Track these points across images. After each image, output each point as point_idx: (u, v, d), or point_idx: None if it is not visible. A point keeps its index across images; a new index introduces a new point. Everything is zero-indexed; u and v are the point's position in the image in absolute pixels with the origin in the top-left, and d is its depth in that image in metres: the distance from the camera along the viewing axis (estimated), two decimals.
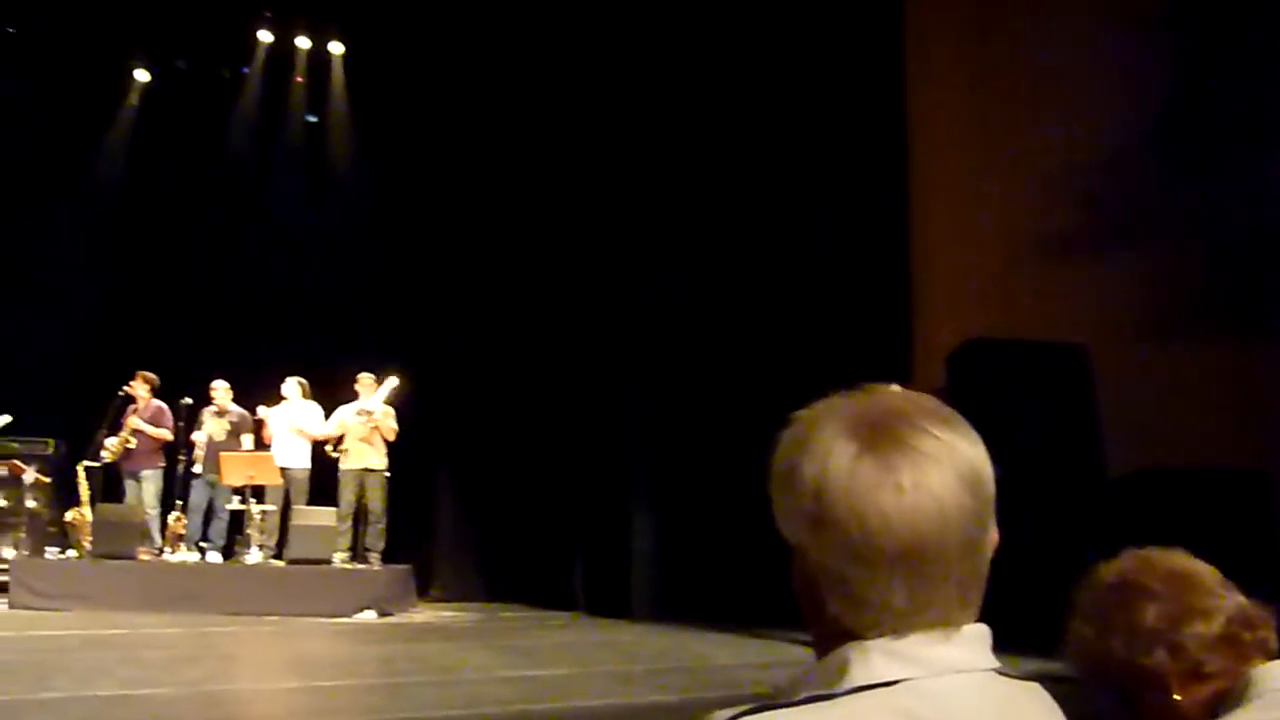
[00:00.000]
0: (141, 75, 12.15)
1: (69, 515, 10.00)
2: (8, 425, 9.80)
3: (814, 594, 0.91)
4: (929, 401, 0.93)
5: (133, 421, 9.94)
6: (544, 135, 10.75)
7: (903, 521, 0.86)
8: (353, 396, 10.07)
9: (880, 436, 0.88)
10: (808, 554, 0.91)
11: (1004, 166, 8.39)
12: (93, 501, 9.85)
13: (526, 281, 11.02)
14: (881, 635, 0.88)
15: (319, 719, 5.18)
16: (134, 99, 12.15)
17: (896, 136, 8.79)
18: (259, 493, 9.79)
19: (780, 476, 0.92)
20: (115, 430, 9.96)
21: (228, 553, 9.95)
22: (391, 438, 9.97)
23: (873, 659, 0.87)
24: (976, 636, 0.91)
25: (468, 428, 11.18)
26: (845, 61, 8.87)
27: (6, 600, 9.09)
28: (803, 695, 0.88)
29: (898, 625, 0.88)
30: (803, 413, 0.94)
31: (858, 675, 0.87)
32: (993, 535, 0.92)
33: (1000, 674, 0.92)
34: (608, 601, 9.77)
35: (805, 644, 0.97)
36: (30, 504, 10.13)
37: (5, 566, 9.68)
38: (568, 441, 10.67)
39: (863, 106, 8.84)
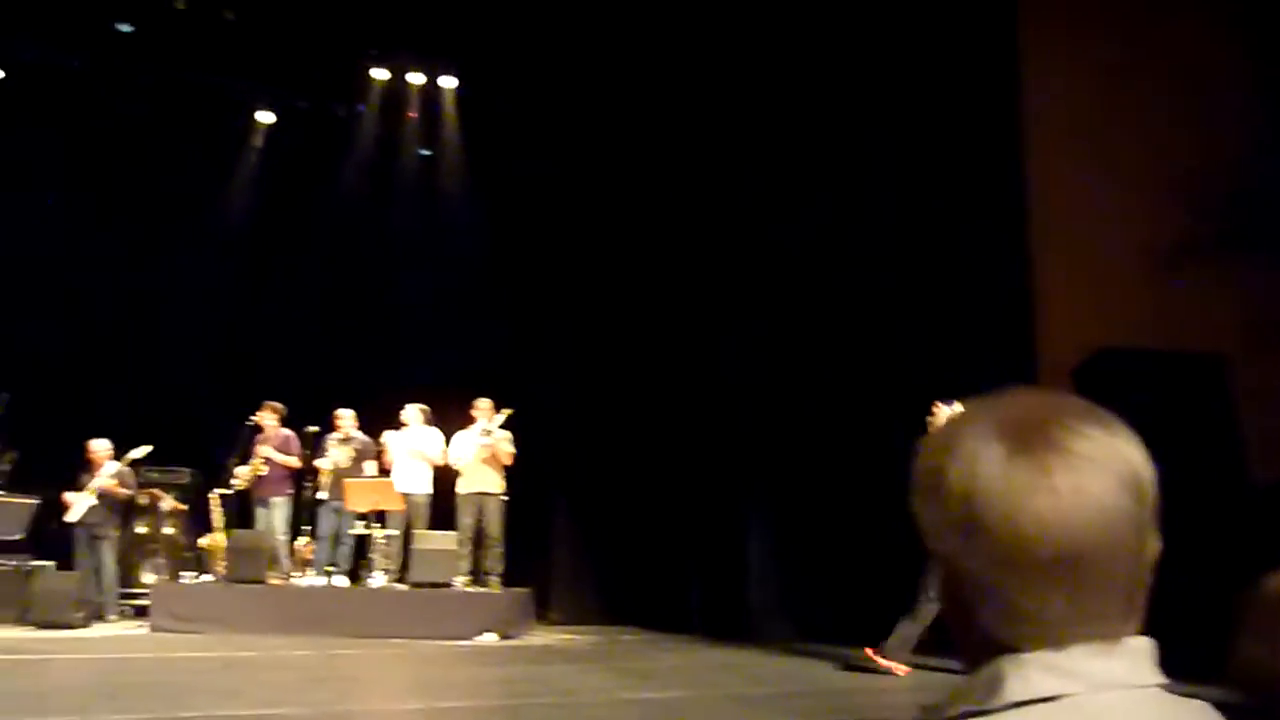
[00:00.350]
0: (265, 116, 12.64)
1: (203, 541, 10.40)
2: (147, 455, 10.22)
3: (964, 605, 0.87)
4: (1079, 402, 0.88)
5: (262, 450, 10.28)
6: (651, 158, 10.82)
7: (1060, 526, 0.81)
8: (470, 422, 10.23)
9: (1031, 438, 0.84)
10: (957, 563, 0.86)
11: (1125, 173, 8.09)
12: (226, 527, 10.21)
13: (637, 302, 11.06)
14: (1038, 648, 0.83)
15: None
16: (258, 139, 12.67)
17: (1012, 144, 8.58)
18: (382, 518, 10.00)
19: (925, 483, 0.89)
20: (246, 459, 10.32)
21: (353, 576, 10.18)
22: (508, 461, 10.11)
23: (1030, 673, 0.82)
24: (1140, 649, 0.85)
25: (582, 452, 11.25)
26: (960, 72, 8.72)
27: (149, 623, 9.47)
28: (957, 712, 0.84)
29: (1055, 637, 0.82)
30: (948, 417, 0.91)
31: (1014, 690, 0.82)
32: (1155, 542, 0.87)
33: (1166, 690, 0.86)
34: (725, 622, 9.71)
35: (933, 668, 0.93)
36: (167, 530, 10.54)
37: (146, 591, 10.11)
38: (682, 462, 10.65)
39: (978, 116, 8.66)
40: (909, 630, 6.81)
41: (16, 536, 8.31)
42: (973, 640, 0.87)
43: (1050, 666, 0.82)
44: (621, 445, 10.98)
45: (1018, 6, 8.77)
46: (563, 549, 11.28)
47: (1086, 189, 8.41)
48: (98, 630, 9.44)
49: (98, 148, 11.84)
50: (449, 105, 12.54)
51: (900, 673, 6.82)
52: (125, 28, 11.36)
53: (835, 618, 8.92)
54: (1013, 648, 0.84)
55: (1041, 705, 0.81)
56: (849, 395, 9.28)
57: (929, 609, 6.65)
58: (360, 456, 10.31)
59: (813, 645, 8.51)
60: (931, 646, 6.78)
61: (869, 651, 6.98)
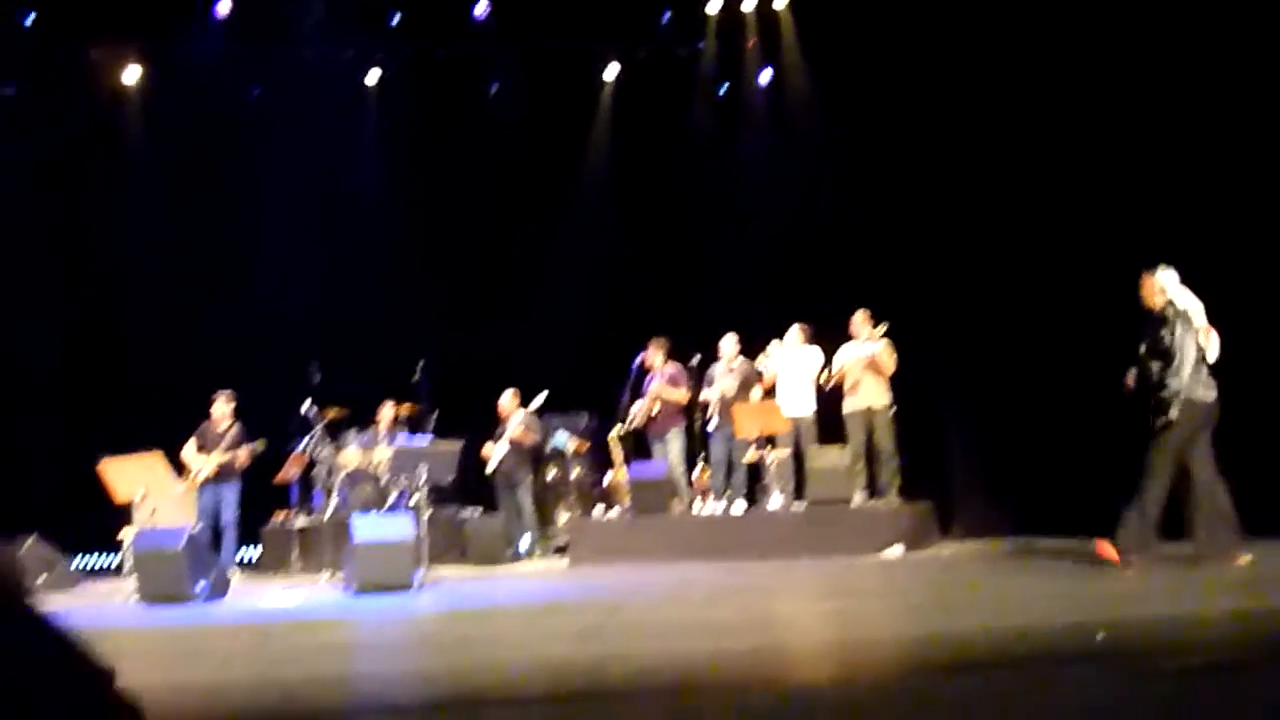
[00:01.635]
0: (610, 72, 13.11)
1: (607, 479, 10.93)
2: (545, 401, 10.87)
3: None
4: None
5: (653, 387, 10.63)
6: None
7: None
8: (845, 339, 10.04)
9: None
10: None
11: None
12: (626, 463, 10.67)
13: (1010, 199, 10.35)
14: None
15: (865, 629, 5.11)
16: (607, 93, 13.17)
17: None
18: (772, 441, 10.02)
19: None
20: (638, 396, 10.72)
21: (750, 501, 10.31)
22: (890, 371, 9.81)
23: None
24: None
25: (970, 358, 10.70)
26: None
27: (568, 558, 10.11)
28: None
29: None
30: None
31: None
32: None
33: None
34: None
35: None
36: (575, 472, 11.19)
37: (564, 530, 10.81)
38: (1085, 362, 9.84)
39: None
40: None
41: (449, 479, 9.10)
42: None
43: None
44: (1017, 346, 10.32)
45: None
46: (960, 460, 10.79)
47: None
48: (525, 566, 10.20)
49: (477, 122, 12.86)
50: (787, 28, 12.32)
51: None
52: (482, 10, 12.15)
53: None
54: None
55: None
56: None
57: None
58: (745, 383, 10.39)
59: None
60: None
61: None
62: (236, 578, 9.27)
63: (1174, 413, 6.43)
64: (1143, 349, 6.78)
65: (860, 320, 9.91)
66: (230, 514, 9.99)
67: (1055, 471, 10.04)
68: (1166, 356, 6.53)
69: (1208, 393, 6.56)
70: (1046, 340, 10.15)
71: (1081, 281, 9.95)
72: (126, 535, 8.63)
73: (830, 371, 10.03)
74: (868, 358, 9.83)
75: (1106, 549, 6.66)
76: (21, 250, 11.55)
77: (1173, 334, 6.52)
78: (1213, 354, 6.62)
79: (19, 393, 10.98)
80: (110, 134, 12.23)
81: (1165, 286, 6.68)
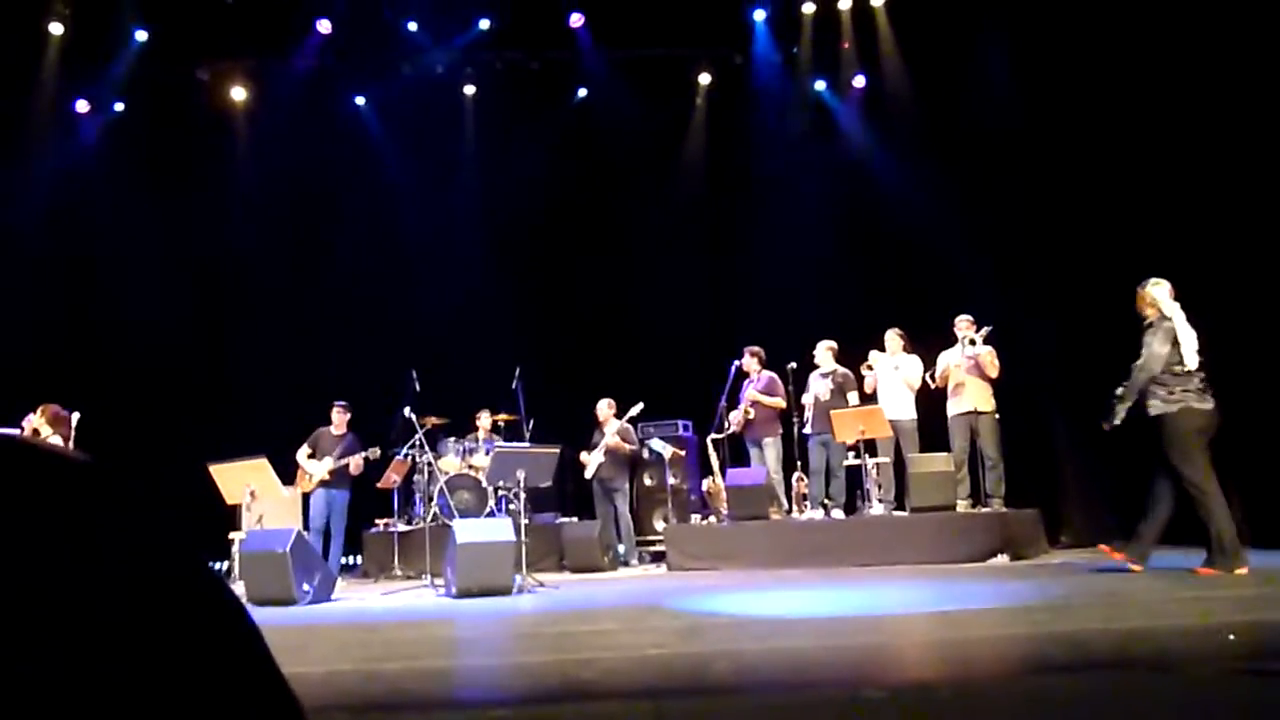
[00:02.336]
0: (704, 78, 13.12)
1: (705, 485, 10.87)
2: (640, 413, 10.86)
3: None
4: None
5: (749, 393, 10.55)
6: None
7: None
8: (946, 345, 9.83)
9: None
10: None
11: None
12: (723, 470, 10.59)
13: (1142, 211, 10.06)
14: None
15: (974, 630, 4.94)
16: (700, 99, 13.24)
17: None
18: (871, 446, 9.86)
19: None
20: (734, 404, 10.65)
21: (849, 508, 10.14)
22: (994, 374, 9.58)
23: None
24: None
25: (1077, 363, 10.40)
26: None
27: (665, 564, 10.06)
28: None
29: None
30: None
31: None
32: None
33: None
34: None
35: None
36: (672, 480, 11.14)
37: (660, 536, 10.76)
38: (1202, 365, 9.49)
39: None
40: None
41: (546, 483, 9.13)
42: None
43: None
44: (1129, 348, 9.99)
45: None
46: (1069, 467, 10.48)
47: None
48: (624, 573, 10.18)
49: (571, 131, 13.05)
50: (883, 24, 12.17)
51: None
52: (578, 21, 12.29)
53: None
54: None
55: None
56: None
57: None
58: (841, 388, 10.26)
59: None
60: None
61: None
62: (339, 582, 9.44)
63: (1121, 418, 6.78)
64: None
65: (963, 325, 9.70)
66: (339, 519, 10.34)
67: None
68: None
69: (1203, 404, 6.64)
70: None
71: (1196, 282, 9.62)
72: (234, 538, 8.84)
73: (935, 374, 9.84)
74: (971, 360, 9.62)
75: (1207, 572, 6.58)
76: (133, 261, 12.00)
77: (1148, 346, 6.76)
78: (1191, 364, 6.69)
79: (131, 396, 11.37)
80: (218, 149, 12.62)
81: (1158, 299, 6.88)
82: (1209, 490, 6.52)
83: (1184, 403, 6.60)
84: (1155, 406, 6.69)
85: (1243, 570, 6.40)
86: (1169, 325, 6.75)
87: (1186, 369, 6.65)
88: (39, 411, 8.23)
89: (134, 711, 0.53)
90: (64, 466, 0.59)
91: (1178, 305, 6.84)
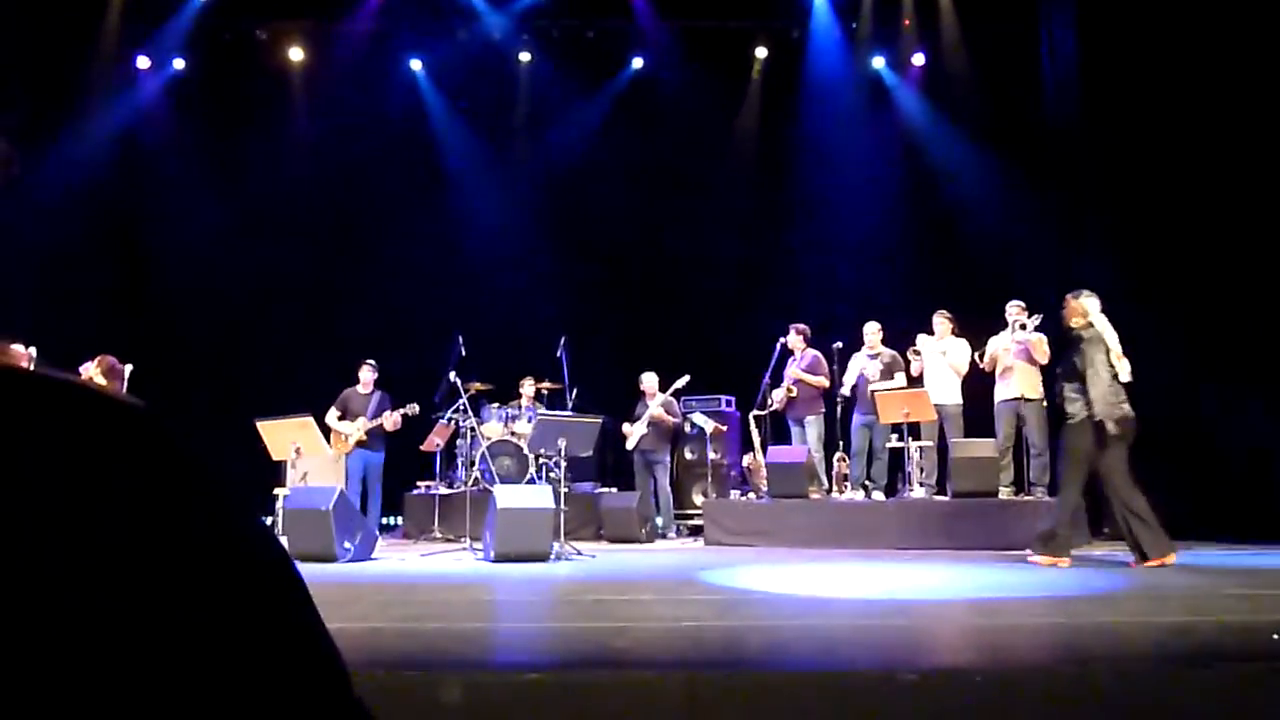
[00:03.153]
0: (760, 51, 13.02)
1: (745, 461, 10.87)
2: (684, 386, 10.87)
3: None
4: None
5: (793, 371, 10.51)
6: None
7: None
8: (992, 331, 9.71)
9: None
10: None
11: None
12: (764, 447, 10.57)
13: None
14: None
15: (1010, 618, 4.92)
16: (757, 70, 13.14)
17: None
18: (915, 429, 9.79)
19: None
20: (777, 381, 10.62)
21: (890, 490, 10.09)
22: (1044, 361, 9.45)
23: None
24: None
25: (1131, 348, 10.25)
26: None
27: (703, 538, 10.09)
28: None
29: None
30: None
31: None
32: None
33: None
34: None
35: None
36: (712, 455, 11.15)
37: (698, 510, 10.79)
38: (1258, 357, 9.34)
39: None
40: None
41: (588, 453, 9.18)
42: None
43: None
44: (1181, 337, 9.85)
45: None
46: None
47: None
48: (661, 545, 10.21)
49: (624, 102, 13.03)
50: (945, 2, 11.99)
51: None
52: None
53: None
54: None
55: None
56: None
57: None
58: (888, 370, 10.19)
59: None
60: None
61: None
62: (380, 542, 9.56)
63: (1111, 427, 7.00)
64: (1058, 370, 7.46)
65: (1014, 310, 9.58)
66: (376, 479, 10.47)
67: (1225, 472, 9.55)
68: (1079, 377, 7.11)
69: (1124, 409, 7.10)
70: (1214, 332, 9.69)
71: (1252, 275, 9.46)
72: (278, 494, 8.99)
73: (984, 355, 9.73)
74: (1020, 346, 9.50)
75: (1037, 560, 7.36)
76: (188, 218, 12.16)
77: (1084, 356, 7.09)
78: (1125, 375, 7.15)
79: (183, 352, 11.58)
80: (274, 108, 12.72)
81: (1089, 309, 7.28)
82: (1078, 486, 7.37)
83: (1107, 410, 7.05)
84: (1079, 411, 7.12)
85: (1066, 562, 7.28)
86: (1098, 334, 7.16)
87: (1116, 376, 7.13)
88: (95, 362, 8.38)
89: (182, 650, 0.54)
90: (121, 410, 0.60)
91: (1104, 317, 7.30)
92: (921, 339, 10.07)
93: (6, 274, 10.38)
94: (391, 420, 10.37)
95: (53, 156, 11.15)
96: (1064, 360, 7.41)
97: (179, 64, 12.59)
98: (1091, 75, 10.70)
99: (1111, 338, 7.20)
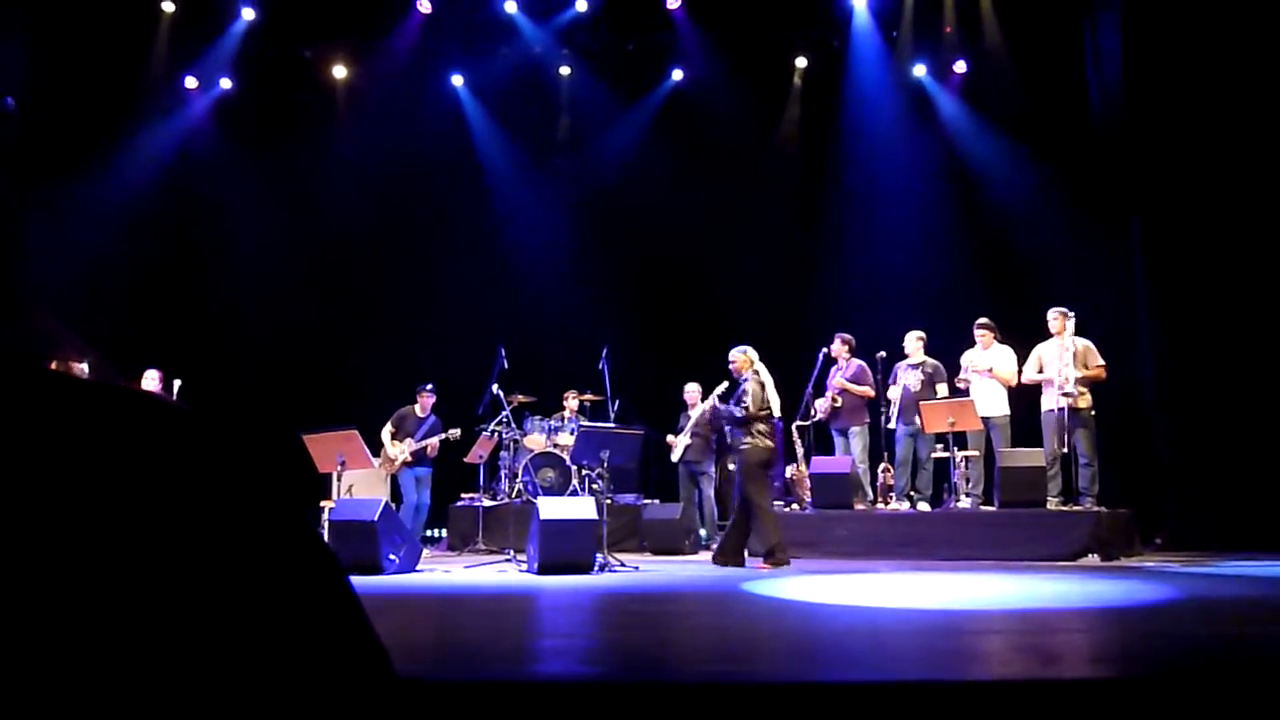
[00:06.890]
0: (801, 61, 13.00)
1: (789, 471, 10.80)
2: (725, 391, 10.83)
3: None
4: None
5: (837, 380, 10.46)
6: None
7: None
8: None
9: None
10: None
11: None
12: (807, 458, 10.52)
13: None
14: None
15: (1058, 631, 4.85)
16: (796, 81, 13.11)
17: None
18: (961, 439, 9.70)
19: None
20: (821, 391, 10.56)
21: (936, 501, 10.00)
22: (1091, 372, 9.33)
23: None
24: None
25: (1182, 362, 10.12)
26: None
27: (746, 550, 10.02)
28: None
29: None
30: None
31: None
32: None
33: None
34: None
35: None
36: None
37: None
38: None
39: None
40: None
41: (631, 465, 9.20)
42: None
43: None
44: (1238, 348, 9.71)
45: None
46: (1169, 468, 10.19)
47: None
48: (704, 556, 10.17)
49: (664, 113, 13.09)
50: (987, 8, 11.91)
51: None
52: (674, 1, 12.27)
53: None
54: None
55: None
56: None
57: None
58: (931, 380, 10.11)
59: None
60: None
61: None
62: (424, 553, 9.64)
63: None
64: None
65: (1056, 318, 9.47)
66: (424, 494, 10.77)
67: (1277, 481, 9.39)
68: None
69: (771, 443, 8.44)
70: (1261, 341, 9.55)
71: None
72: (324, 507, 9.08)
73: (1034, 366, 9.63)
74: (1068, 353, 9.37)
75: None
76: (236, 235, 12.35)
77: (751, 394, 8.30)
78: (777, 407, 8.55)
79: (232, 366, 11.76)
80: (320, 126, 12.90)
81: (753, 358, 8.63)
82: (767, 509, 8.42)
83: (763, 441, 8.30)
84: (745, 444, 8.30)
85: (789, 564, 8.26)
86: (760, 379, 8.44)
87: (769, 413, 8.41)
88: (152, 375, 8.57)
89: (235, 645, 0.56)
90: (175, 415, 0.62)
91: (763, 365, 8.60)
92: (967, 358, 9.96)
93: (67, 291, 10.61)
94: (431, 446, 10.66)
95: (106, 176, 11.38)
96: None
97: (226, 84, 12.82)
98: (1136, 79, 10.58)
99: (769, 381, 8.57)
